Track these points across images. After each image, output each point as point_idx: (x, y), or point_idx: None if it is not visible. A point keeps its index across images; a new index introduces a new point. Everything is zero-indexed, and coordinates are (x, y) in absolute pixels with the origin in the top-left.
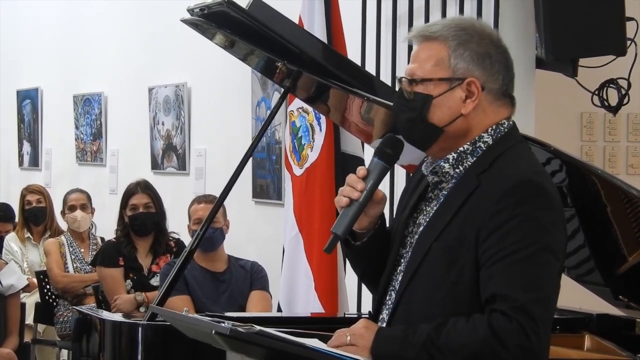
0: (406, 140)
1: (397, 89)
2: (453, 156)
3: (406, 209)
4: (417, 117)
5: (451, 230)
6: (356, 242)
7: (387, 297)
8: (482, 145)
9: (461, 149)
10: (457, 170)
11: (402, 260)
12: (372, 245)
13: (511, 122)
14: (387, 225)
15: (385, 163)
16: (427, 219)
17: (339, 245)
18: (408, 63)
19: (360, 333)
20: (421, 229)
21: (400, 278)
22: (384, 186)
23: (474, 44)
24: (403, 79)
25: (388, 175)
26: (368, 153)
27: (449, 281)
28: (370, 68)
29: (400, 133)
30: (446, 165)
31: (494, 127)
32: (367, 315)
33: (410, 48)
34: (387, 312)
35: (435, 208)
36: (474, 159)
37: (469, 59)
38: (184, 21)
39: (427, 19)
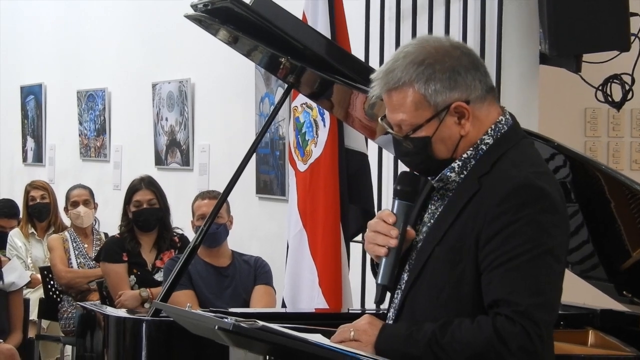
0: (423, 176)
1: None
2: (458, 164)
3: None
4: (425, 158)
5: (453, 234)
6: None
7: (395, 296)
8: (484, 147)
9: (464, 155)
10: (462, 176)
11: (409, 260)
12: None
13: (509, 118)
14: None
15: (409, 201)
16: (432, 219)
17: (342, 240)
18: None
19: (364, 329)
20: (425, 228)
21: (406, 278)
22: (388, 180)
23: (439, 73)
24: (392, 134)
25: (392, 173)
26: (372, 149)
27: (451, 284)
28: (374, 64)
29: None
30: (452, 175)
31: (492, 127)
32: (371, 311)
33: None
34: (393, 310)
35: (440, 208)
36: (476, 161)
37: (442, 88)
38: (188, 17)
39: (430, 15)
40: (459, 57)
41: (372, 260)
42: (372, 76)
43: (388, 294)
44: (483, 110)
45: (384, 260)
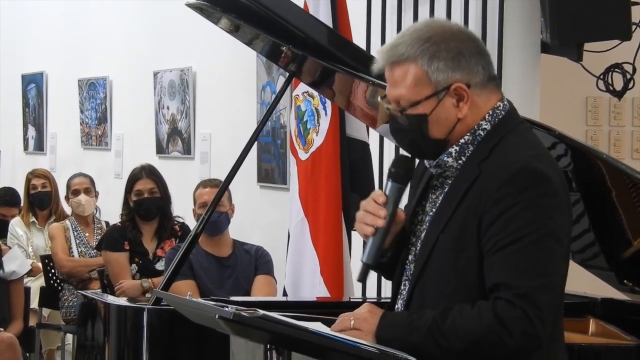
0: (416, 157)
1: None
2: (455, 149)
3: (414, 197)
4: (418, 137)
5: (456, 221)
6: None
7: (403, 287)
8: (481, 132)
9: (462, 140)
10: (460, 162)
11: (413, 249)
12: (395, 256)
13: (506, 104)
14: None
15: (401, 184)
16: (433, 208)
17: (344, 228)
18: None
19: (365, 317)
20: (428, 217)
21: (412, 268)
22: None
23: (443, 52)
24: (389, 108)
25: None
26: (373, 137)
27: (458, 272)
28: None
29: (406, 151)
30: (449, 160)
31: (490, 112)
32: (372, 300)
33: None
34: (401, 302)
35: (440, 196)
36: (474, 147)
37: (445, 67)
38: (189, 5)
39: (432, 4)
40: (465, 41)
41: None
42: (377, 50)
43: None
44: (482, 97)
45: (370, 239)
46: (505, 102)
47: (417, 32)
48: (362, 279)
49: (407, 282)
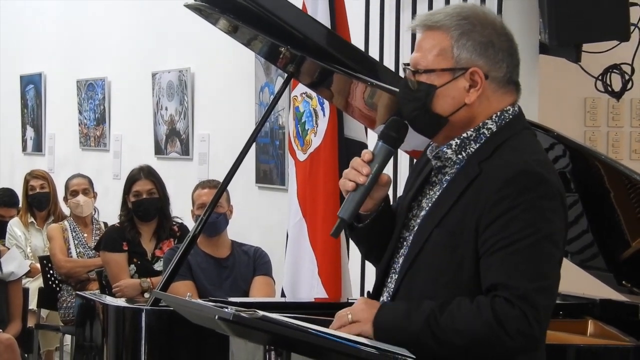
0: (412, 128)
1: (402, 77)
2: (456, 142)
3: (410, 191)
4: (422, 106)
5: (452, 217)
6: (360, 224)
7: (389, 279)
8: (486, 131)
9: (464, 135)
10: (460, 157)
11: (405, 243)
12: (375, 226)
13: (516, 109)
14: (392, 204)
15: (390, 146)
16: (430, 204)
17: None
18: (412, 48)
19: (362, 308)
20: (423, 212)
21: (401, 261)
22: (387, 170)
23: (476, 34)
24: (407, 69)
25: (391, 160)
26: (372, 138)
27: (450, 268)
28: (374, 53)
29: (405, 121)
30: (449, 151)
31: (498, 113)
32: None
33: (414, 34)
34: (387, 294)
35: (437, 193)
36: (477, 145)
37: (471, 48)
38: (188, 6)
39: (430, 5)
40: (501, 37)
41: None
42: (417, 14)
43: None
44: (496, 94)
45: (350, 194)
46: (516, 108)
47: (460, 8)
48: (336, 233)
49: (394, 275)
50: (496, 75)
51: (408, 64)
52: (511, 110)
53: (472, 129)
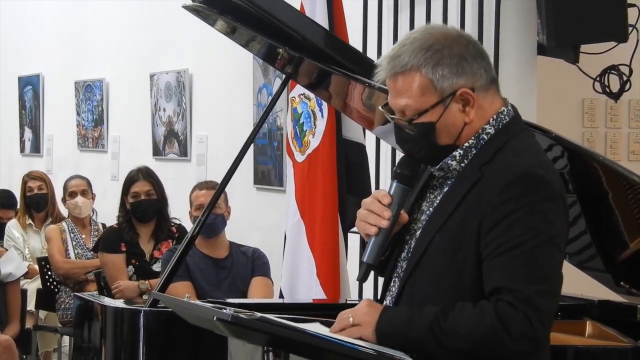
0: (425, 164)
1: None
2: (459, 152)
3: (411, 196)
4: (427, 144)
5: (454, 222)
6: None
7: (392, 284)
8: (485, 136)
9: (466, 144)
10: (462, 164)
11: (406, 247)
12: (391, 254)
13: (511, 109)
14: None
15: (406, 185)
16: (431, 207)
17: (340, 230)
18: None
19: (364, 311)
20: (424, 216)
21: (404, 266)
22: (386, 171)
23: (446, 58)
24: (394, 118)
25: (391, 161)
26: (369, 139)
27: (452, 272)
28: (372, 55)
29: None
30: (453, 163)
31: (494, 117)
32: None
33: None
34: (390, 298)
35: (439, 197)
36: (477, 150)
37: (449, 74)
38: (186, 7)
39: (428, 6)
40: (466, 45)
41: (361, 239)
42: (377, 61)
43: (378, 282)
44: (487, 100)
45: (372, 239)
46: (510, 108)
47: (418, 40)
48: (363, 279)
49: (397, 279)
50: (481, 84)
51: (390, 113)
52: (506, 111)
53: (472, 137)
